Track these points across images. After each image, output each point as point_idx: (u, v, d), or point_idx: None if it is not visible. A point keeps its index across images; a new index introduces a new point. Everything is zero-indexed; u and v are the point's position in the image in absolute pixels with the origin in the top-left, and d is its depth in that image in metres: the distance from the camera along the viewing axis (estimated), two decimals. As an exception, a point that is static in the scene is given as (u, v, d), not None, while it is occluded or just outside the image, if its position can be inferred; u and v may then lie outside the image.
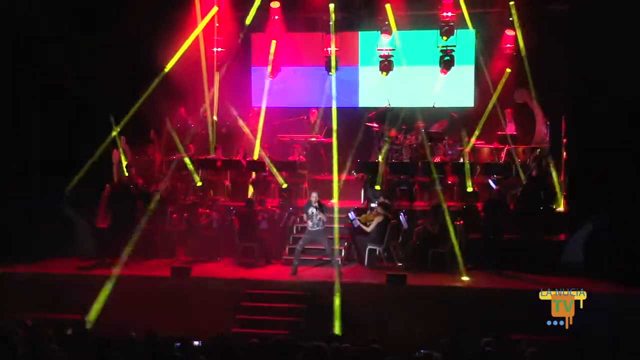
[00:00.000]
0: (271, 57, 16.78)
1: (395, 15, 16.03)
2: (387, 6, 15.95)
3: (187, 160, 15.63)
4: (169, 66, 15.86)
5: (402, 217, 14.02)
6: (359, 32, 17.50)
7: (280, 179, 15.36)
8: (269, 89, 17.38)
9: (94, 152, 15.12)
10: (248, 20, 16.58)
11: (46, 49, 14.76)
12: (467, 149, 15.61)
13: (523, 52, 15.63)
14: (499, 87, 16.03)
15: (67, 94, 14.97)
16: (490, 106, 15.96)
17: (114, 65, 15.00)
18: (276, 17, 16.70)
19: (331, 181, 15.30)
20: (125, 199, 14.69)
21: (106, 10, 15.09)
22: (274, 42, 16.77)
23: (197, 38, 16.45)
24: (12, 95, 14.87)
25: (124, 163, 15.60)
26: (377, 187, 14.82)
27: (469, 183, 14.74)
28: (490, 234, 13.58)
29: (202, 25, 16.41)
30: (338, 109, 16.56)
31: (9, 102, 14.86)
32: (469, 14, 16.08)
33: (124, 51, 15.30)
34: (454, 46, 15.71)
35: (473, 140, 15.93)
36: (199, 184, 15.64)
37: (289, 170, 15.74)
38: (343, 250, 14.20)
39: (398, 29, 16.17)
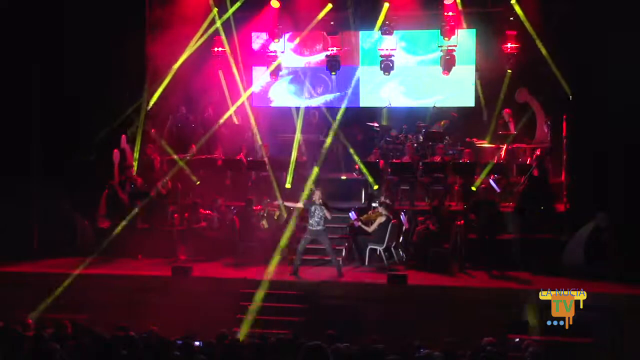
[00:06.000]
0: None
1: (396, 15, 16.02)
2: (386, 5, 15.96)
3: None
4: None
5: (403, 217, 14.02)
6: (360, 32, 17.48)
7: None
8: (267, 88, 17.40)
9: (95, 151, 15.13)
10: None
11: (46, 49, 14.75)
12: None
13: (523, 52, 15.64)
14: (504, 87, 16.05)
15: (66, 93, 14.97)
16: (498, 107, 16.03)
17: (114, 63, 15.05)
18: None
19: (334, 180, 15.28)
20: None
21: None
22: (277, 42, 16.72)
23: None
24: (12, 95, 14.86)
25: (124, 162, 15.59)
26: (375, 187, 14.83)
27: (477, 182, 14.72)
28: (483, 233, 13.57)
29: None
30: (338, 108, 16.56)
31: (9, 101, 14.85)
32: (470, 13, 16.07)
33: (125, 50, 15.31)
34: (455, 46, 15.71)
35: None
36: (197, 182, 15.62)
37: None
38: (344, 250, 14.20)
39: (399, 29, 16.17)
